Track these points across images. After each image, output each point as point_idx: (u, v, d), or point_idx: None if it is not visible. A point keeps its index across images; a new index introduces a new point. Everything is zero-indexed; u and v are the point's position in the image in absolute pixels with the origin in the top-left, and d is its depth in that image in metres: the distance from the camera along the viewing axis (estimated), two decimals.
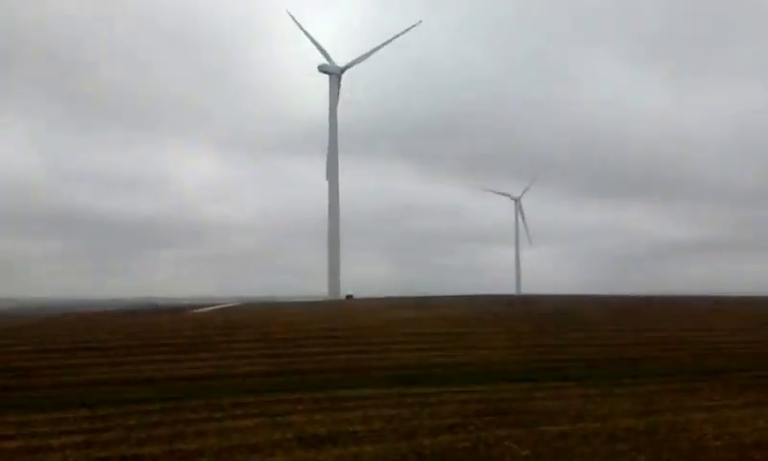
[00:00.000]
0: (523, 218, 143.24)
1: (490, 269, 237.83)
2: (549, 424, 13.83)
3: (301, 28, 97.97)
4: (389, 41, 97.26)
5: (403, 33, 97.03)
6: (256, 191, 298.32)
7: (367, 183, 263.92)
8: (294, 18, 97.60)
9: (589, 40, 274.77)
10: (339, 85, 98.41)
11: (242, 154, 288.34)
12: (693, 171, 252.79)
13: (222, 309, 56.52)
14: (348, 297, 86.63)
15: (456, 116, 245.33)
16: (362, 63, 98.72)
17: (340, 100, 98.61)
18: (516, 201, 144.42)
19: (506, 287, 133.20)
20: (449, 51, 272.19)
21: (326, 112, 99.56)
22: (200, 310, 54.69)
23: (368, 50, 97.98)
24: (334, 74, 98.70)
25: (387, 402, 17.38)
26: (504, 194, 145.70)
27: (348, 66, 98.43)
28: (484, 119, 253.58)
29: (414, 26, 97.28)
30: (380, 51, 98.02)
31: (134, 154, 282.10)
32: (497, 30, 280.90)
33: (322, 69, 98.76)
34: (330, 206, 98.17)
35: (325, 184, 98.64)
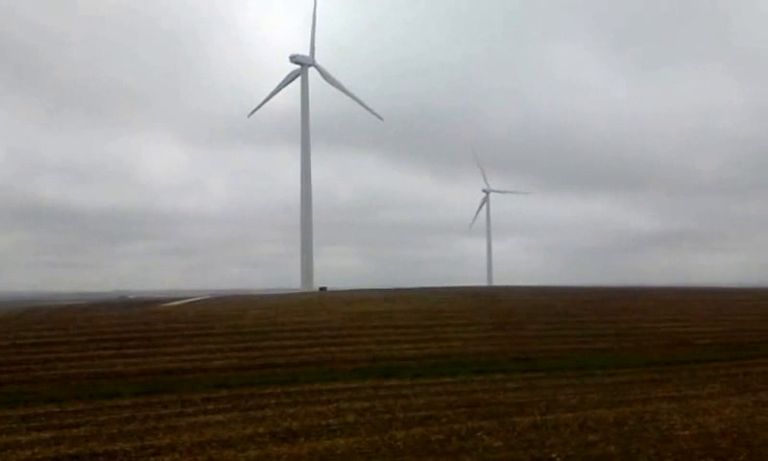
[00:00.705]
0: (505, 191, 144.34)
1: (462, 261, 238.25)
2: (521, 416, 13.98)
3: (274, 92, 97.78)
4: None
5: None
6: (223, 183, 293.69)
7: (337, 175, 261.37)
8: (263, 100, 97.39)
9: (552, 31, 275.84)
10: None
11: (206, 144, 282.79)
12: (657, 162, 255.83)
13: (193, 303, 56.06)
14: (322, 289, 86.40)
15: (425, 108, 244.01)
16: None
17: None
18: (487, 192, 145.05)
19: (478, 279, 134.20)
20: (417, 41, 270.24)
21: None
22: (171, 304, 54.15)
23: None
24: (306, 65, 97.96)
25: (360, 395, 17.42)
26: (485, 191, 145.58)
27: (317, 65, 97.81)
28: (451, 111, 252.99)
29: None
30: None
31: (99, 145, 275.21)
32: (464, 21, 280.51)
33: (294, 60, 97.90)
34: (303, 197, 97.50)
35: (295, 176, 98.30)
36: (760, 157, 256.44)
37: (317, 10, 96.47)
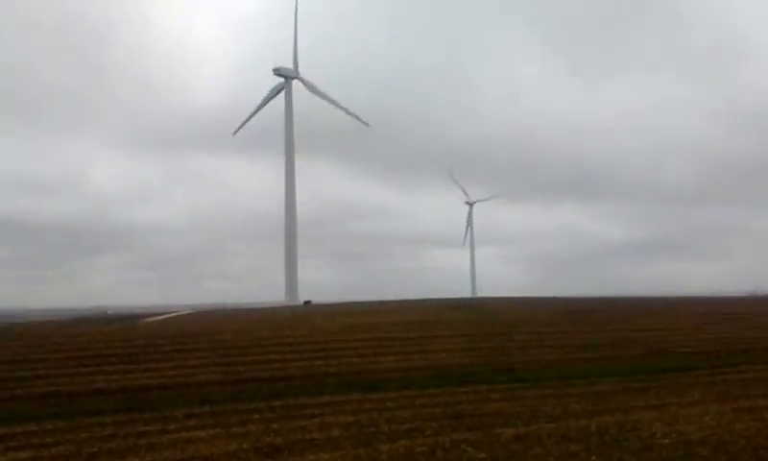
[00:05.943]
0: (484, 198, 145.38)
1: (444, 271, 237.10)
2: (504, 426, 14.02)
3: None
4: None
5: None
6: (181, 191, 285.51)
7: (308, 186, 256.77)
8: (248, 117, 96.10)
9: (511, 42, 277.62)
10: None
11: (156, 151, 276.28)
12: (620, 171, 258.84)
13: (175, 317, 55.64)
14: (306, 303, 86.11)
15: (392, 116, 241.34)
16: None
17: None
18: (471, 205, 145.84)
19: (459, 290, 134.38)
20: (376, 50, 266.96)
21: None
22: (152, 319, 53.69)
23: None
24: (290, 78, 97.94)
25: (345, 409, 17.37)
26: (468, 202, 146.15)
27: (301, 77, 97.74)
28: (414, 120, 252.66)
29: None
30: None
31: (43, 153, 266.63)
32: (426, 31, 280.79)
33: (277, 73, 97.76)
34: (287, 210, 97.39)
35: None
36: (724, 167, 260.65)
37: (297, 22, 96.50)
